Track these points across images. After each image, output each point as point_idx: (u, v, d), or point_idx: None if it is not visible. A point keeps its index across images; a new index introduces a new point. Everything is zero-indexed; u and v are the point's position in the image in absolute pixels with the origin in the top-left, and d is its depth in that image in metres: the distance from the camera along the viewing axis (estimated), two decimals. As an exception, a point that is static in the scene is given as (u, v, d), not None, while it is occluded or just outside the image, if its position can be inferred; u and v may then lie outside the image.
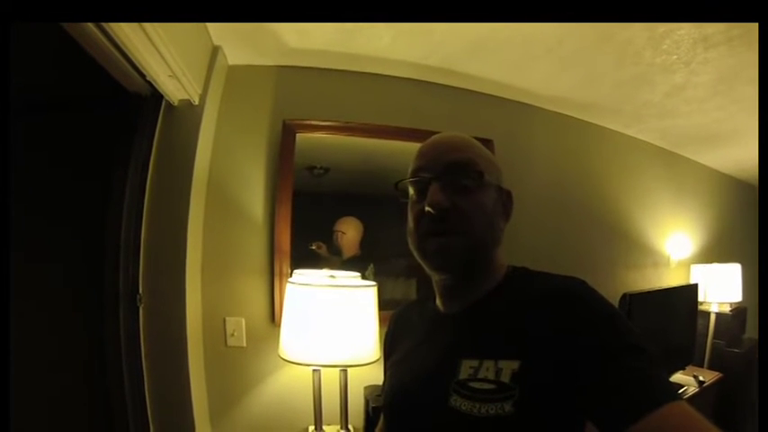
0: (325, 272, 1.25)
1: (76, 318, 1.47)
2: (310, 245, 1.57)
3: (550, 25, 1.37)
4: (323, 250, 1.59)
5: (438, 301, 0.70)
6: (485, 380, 0.53)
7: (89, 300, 1.29)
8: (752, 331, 2.70)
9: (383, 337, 0.85)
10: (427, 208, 0.59)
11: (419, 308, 0.77)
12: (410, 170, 0.66)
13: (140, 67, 1.11)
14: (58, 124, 1.60)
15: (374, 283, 1.27)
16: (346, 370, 1.25)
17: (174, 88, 1.26)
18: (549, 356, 0.51)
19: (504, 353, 0.53)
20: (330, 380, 1.27)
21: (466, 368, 0.55)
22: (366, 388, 1.37)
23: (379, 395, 1.16)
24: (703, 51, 1.52)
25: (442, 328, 0.66)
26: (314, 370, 1.25)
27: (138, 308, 1.24)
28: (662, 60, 1.59)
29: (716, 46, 1.48)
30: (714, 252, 2.87)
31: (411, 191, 0.66)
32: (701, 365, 2.35)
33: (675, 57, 1.57)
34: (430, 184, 0.61)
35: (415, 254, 0.65)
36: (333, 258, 1.60)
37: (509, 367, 0.52)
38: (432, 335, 0.68)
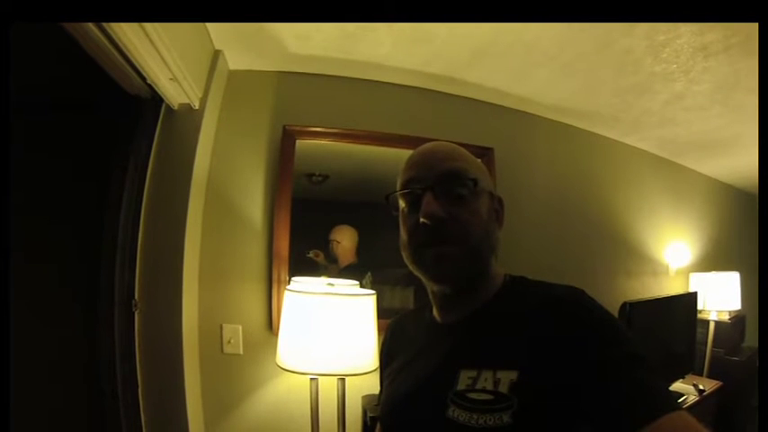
0: (324, 280, 1.24)
1: (75, 319, 1.45)
2: (308, 253, 1.56)
3: (551, 32, 1.37)
4: (320, 258, 1.58)
5: (435, 311, 0.69)
6: (483, 390, 0.52)
7: (85, 303, 1.27)
8: (751, 339, 2.70)
9: (380, 347, 0.84)
10: (422, 219, 0.58)
11: (416, 317, 0.76)
12: (400, 181, 0.64)
13: (141, 70, 1.11)
14: (58, 125, 1.59)
15: (372, 291, 1.26)
16: (344, 379, 1.24)
17: (174, 92, 1.26)
18: (548, 366, 0.50)
19: (503, 363, 0.53)
20: (328, 389, 1.26)
21: (464, 379, 0.55)
22: (364, 397, 1.36)
23: (376, 405, 1.14)
24: (702, 60, 1.53)
25: (439, 338, 0.65)
26: (311, 379, 1.23)
27: (133, 313, 1.23)
28: (662, 69, 1.60)
29: (715, 54, 1.49)
30: (713, 260, 2.87)
31: (402, 203, 0.64)
32: (700, 374, 2.35)
33: (675, 65, 1.57)
34: (423, 195, 0.60)
35: (411, 266, 0.64)
36: (330, 266, 1.59)
37: (507, 377, 0.51)
38: (429, 345, 0.67)
